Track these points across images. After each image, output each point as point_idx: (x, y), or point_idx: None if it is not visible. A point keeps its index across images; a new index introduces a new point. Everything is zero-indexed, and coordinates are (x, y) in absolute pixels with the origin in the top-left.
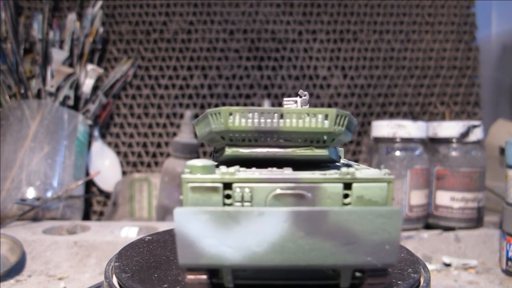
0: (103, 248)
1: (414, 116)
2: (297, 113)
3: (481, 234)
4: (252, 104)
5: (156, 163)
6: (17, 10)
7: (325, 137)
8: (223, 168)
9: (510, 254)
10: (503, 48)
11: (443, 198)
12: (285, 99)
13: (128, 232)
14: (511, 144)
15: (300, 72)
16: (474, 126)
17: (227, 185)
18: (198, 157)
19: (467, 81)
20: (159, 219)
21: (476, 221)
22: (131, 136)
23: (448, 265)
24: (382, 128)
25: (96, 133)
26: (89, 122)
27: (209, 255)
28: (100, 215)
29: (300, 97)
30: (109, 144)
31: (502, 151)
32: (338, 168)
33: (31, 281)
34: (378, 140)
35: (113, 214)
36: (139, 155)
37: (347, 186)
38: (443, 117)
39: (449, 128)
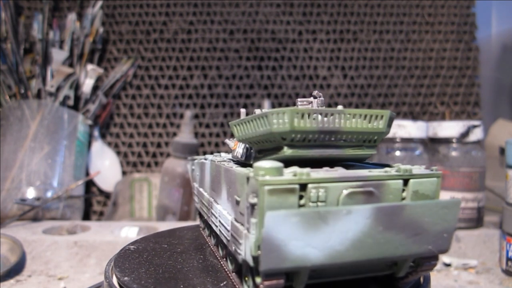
0: (103, 248)
1: (414, 116)
2: (357, 114)
3: (481, 234)
4: (252, 104)
5: (156, 163)
6: (17, 10)
7: (376, 137)
8: (289, 170)
9: (510, 254)
10: (503, 48)
11: (443, 198)
12: (299, 99)
13: (128, 232)
14: (511, 144)
15: (300, 72)
16: (474, 126)
17: (302, 186)
18: None
19: (467, 81)
20: (159, 219)
21: (476, 221)
22: (131, 136)
23: (448, 265)
24: None
25: (96, 133)
26: (89, 122)
27: (293, 257)
28: (100, 215)
29: (315, 97)
30: (109, 144)
31: (502, 151)
32: (376, 166)
33: (31, 281)
34: None
35: (113, 214)
36: (139, 155)
37: (405, 182)
38: (443, 117)
39: (449, 128)
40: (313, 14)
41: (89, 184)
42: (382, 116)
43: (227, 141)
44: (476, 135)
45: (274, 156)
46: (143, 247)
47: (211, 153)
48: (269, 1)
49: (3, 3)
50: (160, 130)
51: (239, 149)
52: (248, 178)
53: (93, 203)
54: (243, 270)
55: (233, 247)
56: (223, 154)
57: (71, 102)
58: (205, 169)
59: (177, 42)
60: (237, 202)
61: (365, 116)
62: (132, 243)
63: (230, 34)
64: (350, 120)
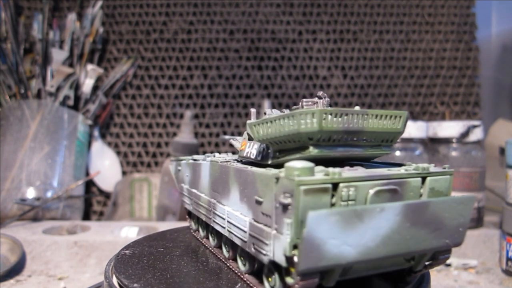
0: (103, 248)
1: (414, 116)
2: (379, 115)
3: (481, 234)
4: (252, 104)
5: (156, 163)
6: (17, 10)
7: (393, 137)
8: (317, 169)
9: (510, 254)
10: (503, 48)
11: None
12: (304, 100)
13: (128, 232)
14: (511, 144)
15: (300, 72)
16: (474, 126)
17: (333, 186)
18: None
19: (467, 81)
20: (159, 219)
21: (476, 221)
22: (131, 136)
23: (448, 265)
24: None
25: (96, 133)
26: (89, 122)
27: (330, 256)
28: (100, 215)
29: (320, 98)
30: (109, 144)
31: (502, 151)
32: (389, 165)
33: (31, 281)
34: None
35: (113, 214)
36: (139, 155)
37: (422, 179)
38: (443, 117)
39: (449, 128)
40: (313, 14)
41: (89, 184)
42: (400, 117)
43: (232, 141)
44: (476, 135)
45: (297, 156)
46: (139, 251)
47: (211, 152)
48: (269, 1)
49: (3, 3)
50: (160, 130)
51: (250, 149)
52: (278, 179)
53: (93, 203)
54: (265, 271)
55: (253, 248)
56: (217, 154)
57: (71, 102)
58: (200, 170)
59: (177, 42)
60: (258, 203)
61: (386, 116)
62: (126, 248)
63: (230, 34)
64: (373, 120)
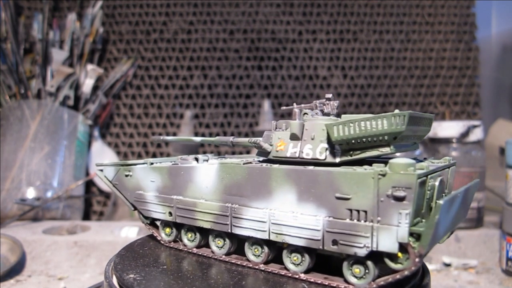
0: (103, 248)
1: None
2: (425, 118)
3: (481, 234)
4: (252, 105)
5: None
6: (17, 10)
7: (423, 136)
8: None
9: (510, 254)
10: (503, 48)
11: None
12: (318, 101)
13: (128, 232)
14: (511, 144)
15: (300, 72)
16: (474, 126)
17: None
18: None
19: (467, 81)
20: None
21: (476, 221)
22: (131, 136)
23: (448, 265)
24: None
25: (96, 133)
26: (89, 122)
27: (439, 237)
28: (100, 215)
29: (330, 100)
30: (109, 144)
31: (502, 151)
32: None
33: (31, 281)
34: None
35: (113, 214)
36: (139, 155)
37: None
38: (443, 117)
39: (449, 128)
40: (313, 14)
41: (89, 184)
42: (431, 120)
43: (263, 143)
44: (476, 135)
45: (376, 154)
46: (143, 278)
47: (211, 153)
48: (269, 1)
49: (3, 3)
50: (160, 130)
51: (301, 149)
52: (384, 175)
53: (93, 203)
54: (346, 263)
55: (338, 244)
56: (201, 156)
57: (71, 102)
58: (195, 174)
59: (177, 42)
60: (343, 199)
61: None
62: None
63: (230, 34)
64: (427, 122)
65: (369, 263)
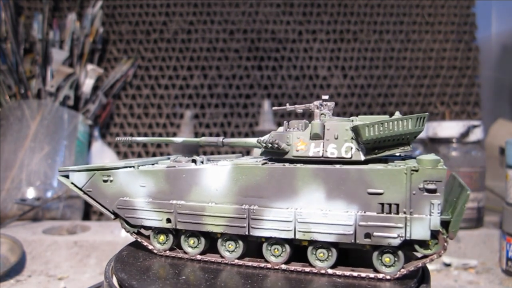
0: (103, 248)
1: None
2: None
3: (481, 234)
4: (252, 105)
5: None
6: (17, 10)
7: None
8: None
9: (510, 254)
10: (503, 48)
11: None
12: (318, 101)
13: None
14: (511, 144)
15: (300, 72)
16: (474, 126)
17: None
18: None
19: (467, 81)
20: None
21: (476, 221)
22: (131, 136)
23: (448, 265)
24: None
25: (96, 133)
26: (89, 122)
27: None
28: (100, 215)
29: (326, 101)
30: (109, 144)
31: (502, 151)
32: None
33: (31, 281)
34: None
35: None
36: (139, 155)
37: None
38: (443, 117)
39: (449, 128)
40: (313, 14)
41: None
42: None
43: (281, 143)
44: (476, 135)
45: (398, 151)
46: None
47: (211, 153)
48: (269, 1)
49: (3, 3)
50: (160, 130)
51: (324, 148)
52: (416, 170)
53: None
54: (376, 254)
55: (371, 237)
56: (182, 157)
57: (71, 102)
58: (201, 176)
59: (177, 42)
60: (375, 194)
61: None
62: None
63: (230, 34)
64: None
65: (400, 252)
